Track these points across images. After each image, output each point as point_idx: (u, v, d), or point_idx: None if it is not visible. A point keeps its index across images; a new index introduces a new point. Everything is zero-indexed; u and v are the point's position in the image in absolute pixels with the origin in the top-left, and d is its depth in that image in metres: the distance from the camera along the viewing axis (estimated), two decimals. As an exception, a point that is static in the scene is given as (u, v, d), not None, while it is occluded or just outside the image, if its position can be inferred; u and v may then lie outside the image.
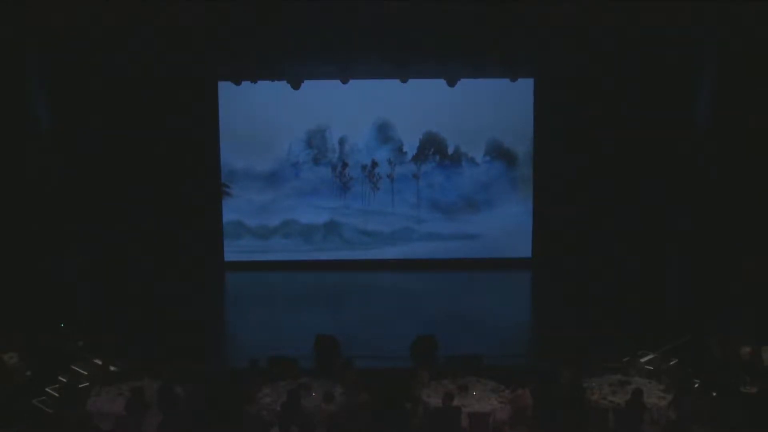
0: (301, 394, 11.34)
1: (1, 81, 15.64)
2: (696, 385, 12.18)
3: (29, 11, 14.29)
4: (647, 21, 14.25)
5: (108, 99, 17.45)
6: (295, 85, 16.99)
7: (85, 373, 12.71)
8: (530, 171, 19.75)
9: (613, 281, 17.15)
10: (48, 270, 15.92)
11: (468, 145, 19.95)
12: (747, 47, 14.80)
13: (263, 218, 20.13)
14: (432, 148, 19.97)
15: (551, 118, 18.90)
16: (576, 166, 18.50)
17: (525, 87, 18.92)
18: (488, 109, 19.47)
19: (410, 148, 19.95)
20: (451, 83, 17.11)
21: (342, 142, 19.96)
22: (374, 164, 19.98)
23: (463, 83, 17.50)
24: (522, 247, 19.79)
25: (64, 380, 12.40)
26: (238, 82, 17.64)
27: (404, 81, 17.19)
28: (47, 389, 12.47)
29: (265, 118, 19.41)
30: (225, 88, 18.87)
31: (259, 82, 17.84)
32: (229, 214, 19.92)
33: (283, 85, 17.19)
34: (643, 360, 13.08)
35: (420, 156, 20.01)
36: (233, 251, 19.97)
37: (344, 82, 17.21)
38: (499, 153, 19.91)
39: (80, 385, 12.13)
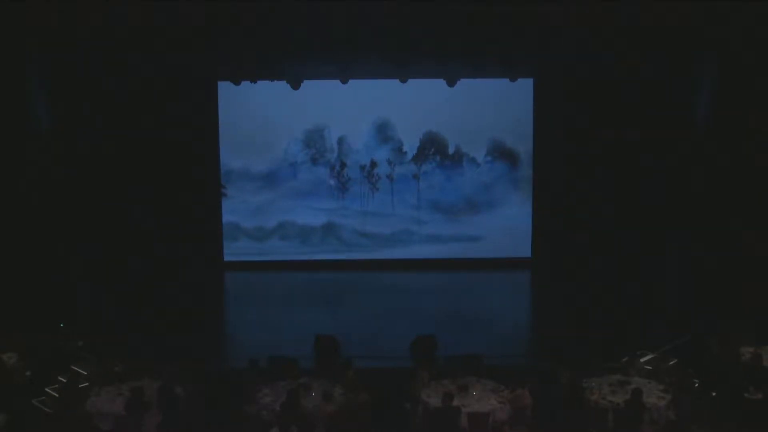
0: (301, 394, 11.34)
1: (1, 81, 15.65)
2: (696, 385, 12.18)
3: (29, 11, 14.30)
4: (647, 21, 14.26)
5: (108, 99, 17.45)
6: (295, 85, 16.98)
7: (85, 373, 12.71)
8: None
9: (613, 281, 17.14)
10: (48, 270, 15.93)
11: (469, 145, 19.77)
12: (747, 47, 14.80)
13: (260, 220, 19.93)
14: (432, 148, 19.80)
15: (551, 118, 18.88)
16: (576, 166, 18.49)
17: (525, 87, 18.86)
18: (490, 109, 19.32)
19: (410, 148, 19.77)
20: (451, 83, 17.11)
21: (341, 141, 19.76)
22: (373, 164, 19.78)
23: (464, 83, 17.49)
24: (522, 247, 19.71)
25: (64, 380, 12.38)
26: (237, 82, 17.62)
27: (404, 81, 17.19)
28: (47, 389, 12.47)
29: (263, 118, 19.25)
30: (225, 88, 18.82)
31: (258, 82, 17.80)
32: (225, 216, 19.75)
33: (282, 85, 17.16)
34: (642, 360, 13.08)
35: (420, 156, 19.83)
36: (229, 253, 19.84)
37: (344, 82, 17.21)
38: (501, 153, 19.74)
39: (80, 385, 12.13)
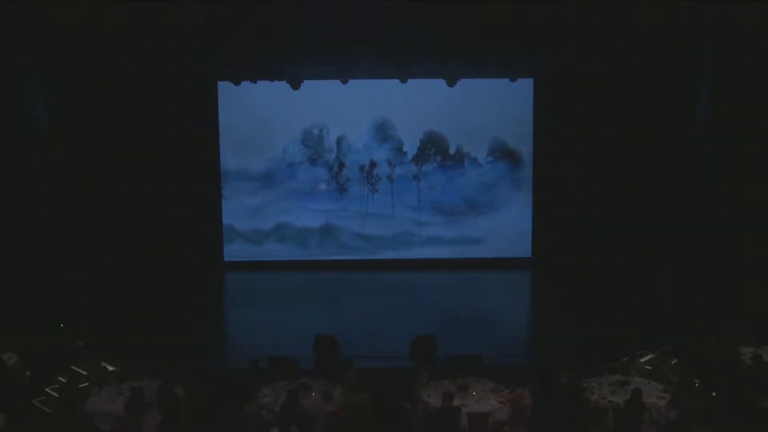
0: (301, 394, 11.34)
1: (1, 81, 15.65)
2: (696, 385, 12.18)
3: (29, 11, 14.30)
4: (647, 21, 14.26)
5: (108, 99, 17.45)
6: (295, 85, 16.97)
7: (85, 373, 12.72)
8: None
9: (613, 281, 17.14)
10: (48, 270, 15.93)
11: (470, 145, 19.63)
12: (747, 47, 14.81)
13: (256, 221, 19.72)
14: (433, 147, 19.65)
15: (551, 118, 18.88)
16: (576, 165, 18.49)
17: (525, 87, 18.82)
18: (491, 108, 19.21)
19: (410, 147, 19.63)
20: (451, 83, 17.10)
21: (340, 141, 19.59)
22: (373, 165, 19.63)
23: (464, 83, 17.45)
24: (522, 247, 19.66)
25: (64, 380, 12.38)
26: (237, 82, 17.60)
27: (404, 81, 17.18)
28: (47, 389, 12.47)
29: (262, 118, 19.10)
30: (225, 88, 18.78)
31: (258, 82, 17.76)
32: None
33: (282, 85, 17.11)
34: (642, 360, 13.09)
35: (420, 156, 19.68)
36: (229, 253, 19.74)
37: (344, 82, 17.20)
38: (503, 153, 19.62)
39: (80, 385, 12.12)
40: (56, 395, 12.16)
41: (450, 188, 19.81)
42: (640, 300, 16.22)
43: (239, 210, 19.69)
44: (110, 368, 12.83)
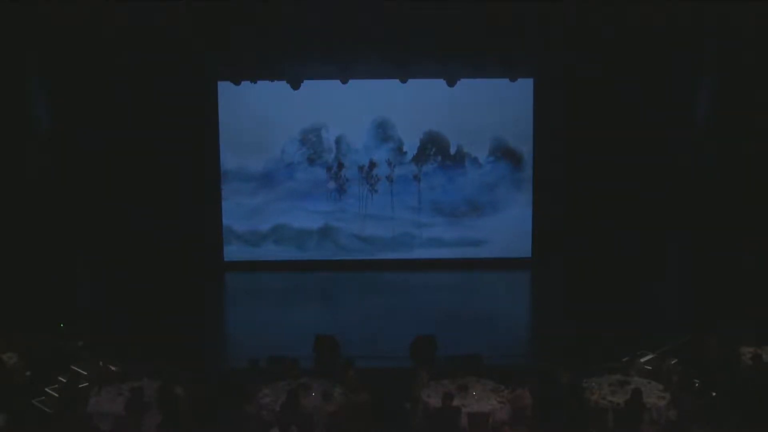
0: (301, 394, 11.34)
1: (1, 81, 15.65)
2: (696, 385, 12.18)
3: (29, 11, 14.30)
4: (647, 21, 14.26)
5: (108, 99, 17.45)
6: (295, 85, 16.90)
7: (85, 373, 12.72)
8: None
9: (613, 281, 17.14)
10: (48, 270, 15.93)
11: (471, 145, 19.46)
12: (747, 47, 14.81)
13: (253, 223, 19.53)
14: (433, 147, 19.49)
15: (551, 118, 18.86)
16: (576, 166, 18.48)
17: (525, 87, 18.75)
18: (492, 108, 19.07)
19: (410, 147, 19.49)
20: (451, 83, 17.06)
21: (339, 141, 19.39)
22: (372, 165, 19.45)
23: (465, 82, 17.39)
24: (522, 247, 19.60)
25: (64, 380, 12.39)
26: (237, 82, 17.55)
27: (404, 81, 17.14)
28: (47, 389, 12.48)
29: (262, 118, 18.94)
30: (225, 88, 18.71)
31: (258, 82, 17.69)
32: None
33: (282, 85, 17.00)
34: (642, 360, 13.10)
35: (421, 156, 19.52)
36: (228, 253, 19.65)
37: (344, 82, 17.16)
38: (504, 153, 19.46)
39: (80, 385, 12.13)
40: (56, 395, 12.17)
41: (450, 189, 19.64)
42: (640, 300, 16.22)
43: (236, 211, 19.52)
44: (110, 368, 12.83)
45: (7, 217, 15.91)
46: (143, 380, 11.88)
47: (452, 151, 19.57)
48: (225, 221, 19.57)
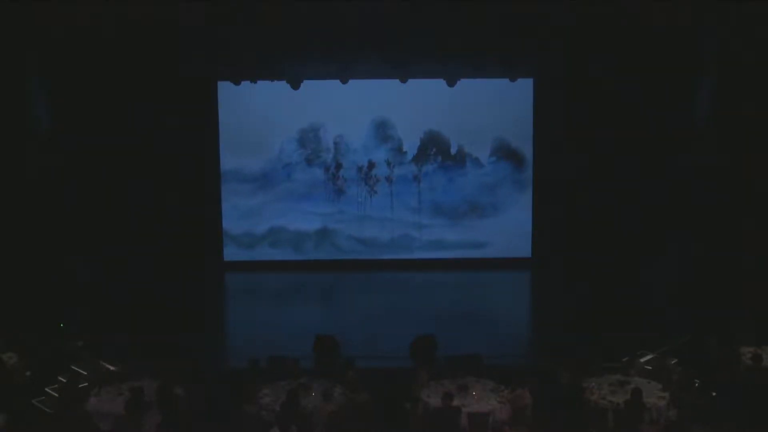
0: (301, 394, 11.34)
1: (1, 81, 15.66)
2: (696, 385, 12.18)
3: (29, 11, 14.31)
4: (647, 21, 14.26)
5: (108, 99, 17.45)
6: (295, 85, 16.89)
7: (85, 373, 12.72)
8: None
9: (613, 281, 17.14)
10: (48, 270, 15.93)
11: (472, 145, 19.24)
12: (747, 47, 14.81)
13: (249, 225, 19.32)
14: (434, 147, 19.31)
15: (551, 118, 18.85)
16: (576, 166, 18.47)
17: (525, 87, 18.69)
18: (493, 107, 18.89)
19: (410, 147, 19.31)
20: (451, 83, 17.04)
21: (337, 141, 19.14)
22: (371, 165, 19.22)
23: (467, 82, 17.29)
24: (522, 247, 19.52)
25: (64, 380, 12.39)
26: (237, 82, 17.53)
27: (404, 81, 17.12)
28: (47, 389, 12.47)
29: (259, 118, 18.74)
30: (225, 88, 18.64)
31: (258, 82, 17.65)
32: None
33: (281, 85, 16.94)
34: (642, 360, 13.08)
35: (421, 156, 19.33)
36: (229, 253, 19.54)
37: (344, 82, 17.14)
38: (506, 153, 19.28)
39: (80, 385, 12.13)
40: (56, 395, 12.16)
41: (451, 189, 19.42)
42: (640, 300, 16.22)
43: (232, 212, 19.33)
44: (110, 368, 12.83)
45: (7, 217, 15.91)
46: (143, 380, 11.87)
47: (453, 151, 19.39)
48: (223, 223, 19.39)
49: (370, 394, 11.56)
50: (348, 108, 18.86)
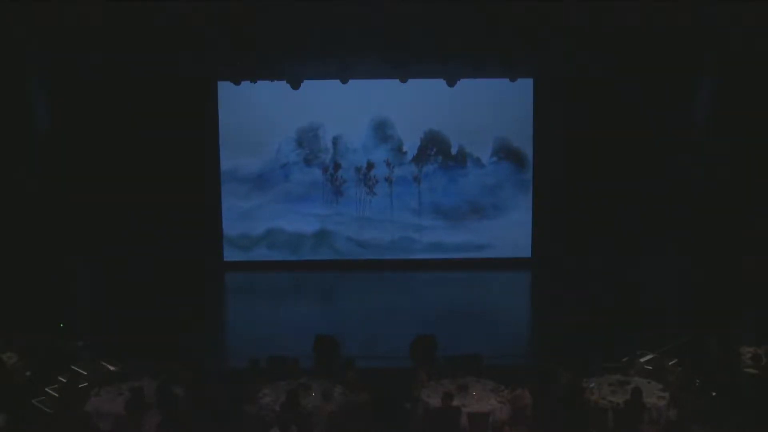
0: (301, 394, 11.34)
1: (1, 81, 15.66)
2: (696, 385, 12.19)
3: (29, 11, 14.30)
4: (647, 21, 14.26)
5: (108, 99, 17.45)
6: (295, 85, 16.83)
7: (85, 373, 12.72)
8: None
9: (613, 281, 17.14)
10: (48, 270, 15.93)
11: (473, 145, 19.08)
12: (747, 47, 14.81)
13: (246, 226, 19.12)
14: (434, 148, 19.16)
15: (551, 118, 18.84)
16: (576, 166, 18.48)
17: (525, 87, 18.63)
18: (495, 107, 18.76)
19: (410, 147, 19.17)
20: (451, 83, 16.99)
21: (336, 141, 18.95)
22: (370, 166, 19.02)
23: (467, 81, 17.19)
24: (522, 247, 19.49)
25: (64, 380, 12.39)
26: (237, 82, 17.49)
27: (404, 81, 17.07)
28: (47, 389, 12.47)
29: (258, 118, 18.59)
30: (225, 88, 18.56)
31: (258, 82, 17.59)
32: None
33: (280, 84, 16.87)
34: (642, 360, 13.08)
35: (421, 157, 19.18)
36: (229, 253, 19.43)
37: (344, 82, 17.09)
38: (508, 153, 19.12)
39: (80, 385, 12.13)
40: (56, 395, 12.16)
41: (452, 190, 19.23)
42: (640, 300, 16.22)
43: (228, 214, 19.17)
44: (110, 368, 12.83)
45: (7, 217, 15.91)
46: (143, 380, 11.87)
47: (454, 151, 19.24)
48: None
49: (370, 394, 11.56)
50: (347, 108, 18.70)
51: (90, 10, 14.00)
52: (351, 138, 19.12)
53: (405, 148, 19.23)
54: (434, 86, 17.41)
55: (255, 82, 17.40)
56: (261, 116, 18.80)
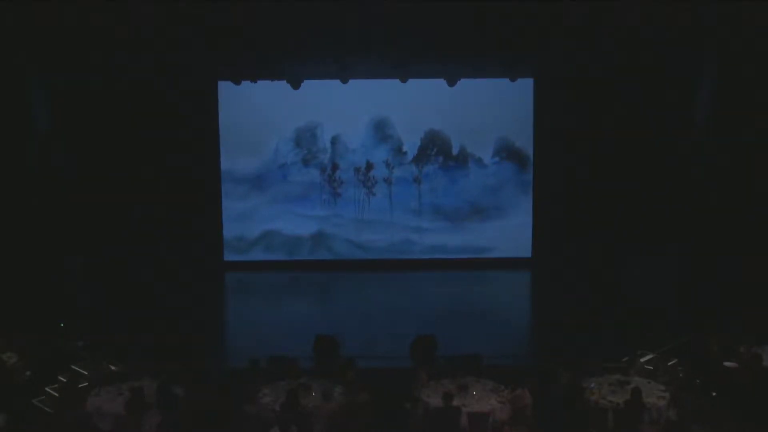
0: (301, 394, 11.34)
1: (1, 81, 15.67)
2: (696, 385, 12.19)
3: (30, 12, 14.31)
4: (647, 21, 14.27)
5: (108, 99, 17.46)
6: (296, 85, 16.83)
7: (85, 373, 12.72)
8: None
9: (613, 281, 17.15)
10: (48, 270, 15.94)
11: (474, 145, 18.97)
12: (747, 47, 14.82)
13: (242, 228, 18.98)
14: (435, 147, 19.04)
15: (551, 118, 18.84)
16: (576, 166, 18.48)
17: (525, 87, 18.61)
18: (496, 107, 18.66)
19: (410, 147, 19.06)
20: (451, 83, 16.99)
21: (334, 141, 18.73)
22: (369, 166, 18.84)
23: (468, 81, 17.18)
24: (522, 247, 19.48)
25: (64, 380, 12.39)
26: (238, 82, 17.48)
27: (404, 81, 17.07)
28: (47, 389, 12.47)
29: (257, 117, 18.46)
30: (225, 88, 18.53)
31: (258, 81, 17.56)
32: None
33: (280, 84, 16.82)
34: (642, 360, 13.08)
35: (421, 157, 19.06)
36: (229, 253, 19.39)
37: (344, 82, 17.09)
38: (510, 153, 19.01)
39: (80, 385, 12.13)
40: (56, 395, 12.16)
41: (453, 191, 19.09)
42: (640, 300, 16.22)
43: (226, 215, 19.05)
44: (110, 368, 12.83)
45: (7, 216, 15.92)
46: (143, 380, 11.87)
47: (455, 151, 19.10)
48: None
49: (370, 394, 11.56)
50: (346, 107, 18.56)
51: (90, 10, 14.01)
52: (350, 138, 18.96)
53: (405, 148, 19.10)
54: (434, 86, 17.41)
55: (255, 82, 17.40)
56: (260, 116, 18.72)
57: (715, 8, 14.09)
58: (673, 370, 12.63)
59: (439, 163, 19.19)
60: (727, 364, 12.56)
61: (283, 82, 16.81)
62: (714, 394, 12.08)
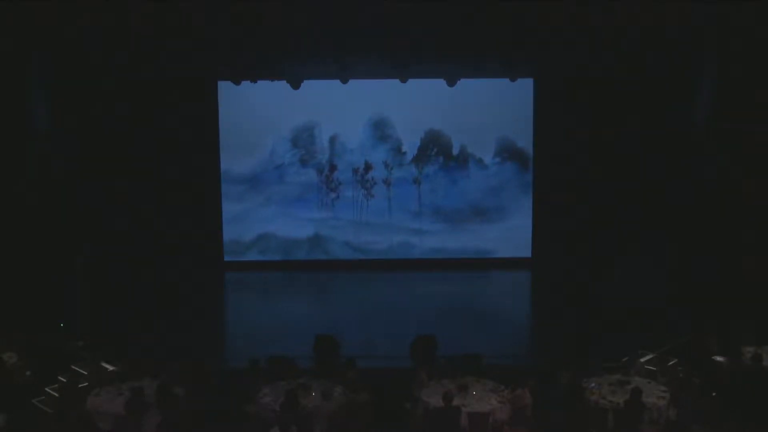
0: (301, 394, 11.34)
1: (1, 81, 15.66)
2: (696, 385, 12.19)
3: (30, 11, 14.31)
4: (647, 21, 14.27)
5: (108, 99, 17.46)
6: (295, 85, 16.81)
7: (85, 373, 12.72)
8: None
9: (613, 281, 17.14)
10: (48, 270, 15.94)
11: (475, 145, 18.87)
12: (747, 47, 14.81)
13: (238, 230, 18.81)
14: (435, 148, 18.96)
15: (551, 118, 18.84)
16: (576, 166, 18.48)
17: (525, 87, 18.60)
18: (497, 106, 18.60)
19: (410, 148, 19.00)
20: (451, 83, 16.97)
21: (333, 141, 18.56)
22: (368, 167, 18.64)
23: (466, 81, 17.15)
24: (522, 247, 19.48)
25: (64, 380, 12.39)
26: (237, 82, 17.46)
27: (404, 81, 17.04)
28: (47, 389, 12.48)
29: (255, 117, 18.37)
30: (225, 88, 18.52)
31: (258, 81, 17.52)
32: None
33: (280, 84, 16.79)
34: (643, 360, 13.09)
35: (421, 157, 18.98)
36: (229, 253, 19.35)
37: (344, 82, 17.08)
38: (511, 153, 18.91)
39: (80, 385, 12.13)
40: (56, 395, 12.16)
41: (453, 192, 18.98)
42: (640, 300, 16.21)
43: (224, 217, 18.98)
44: (110, 368, 12.83)
45: (7, 217, 15.91)
46: (143, 380, 11.88)
47: (455, 151, 19.00)
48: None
49: (370, 394, 11.56)
50: (344, 106, 18.43)
51: (90, 10, 14.01)
52: (348, 137, 18.80)
53: (404, 149, 18.98)
54: (434, 86, 17.36)
55: (255, 82, 17.37)
56: (258, 116, 18.65)
57: (715, 8, 14.09)
58: (673, 370, 12.63)
59: (439, 163, 19.10)
60: (726, 363, 12.59)
61: (283, 82, 16.79)
62: (714, 394, 12.08)
